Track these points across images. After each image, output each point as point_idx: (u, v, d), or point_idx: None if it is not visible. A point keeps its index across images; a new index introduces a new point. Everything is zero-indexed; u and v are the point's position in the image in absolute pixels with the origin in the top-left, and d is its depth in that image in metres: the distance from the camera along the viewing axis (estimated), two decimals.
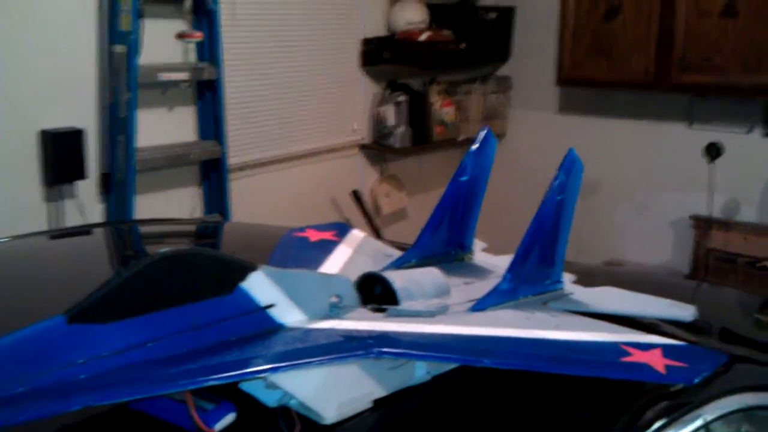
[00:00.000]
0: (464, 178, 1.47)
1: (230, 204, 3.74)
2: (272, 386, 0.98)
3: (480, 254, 1.58)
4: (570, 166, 1.36)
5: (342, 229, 1.60)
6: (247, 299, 1.01)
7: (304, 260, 1.40)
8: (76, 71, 3.17)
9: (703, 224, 4.30)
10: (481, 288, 1.33)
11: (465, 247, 1.53)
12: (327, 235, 1.55)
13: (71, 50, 3.15)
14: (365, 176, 4.68)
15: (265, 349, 0.98)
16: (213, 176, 3.72)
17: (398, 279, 1.23)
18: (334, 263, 1.41)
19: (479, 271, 1.49)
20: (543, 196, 1.33)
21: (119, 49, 3.16)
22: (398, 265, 1.41)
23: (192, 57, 3.50)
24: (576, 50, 4.49)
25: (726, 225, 4.24)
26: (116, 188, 3.33)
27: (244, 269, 1.03)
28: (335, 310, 1.12)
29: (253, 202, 3.96)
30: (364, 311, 1.17)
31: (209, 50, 3.47)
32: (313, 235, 1.55)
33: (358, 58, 4.42)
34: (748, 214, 4.28)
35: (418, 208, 4.72)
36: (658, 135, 4.59)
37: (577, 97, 4.88)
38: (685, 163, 4.41)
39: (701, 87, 4.17)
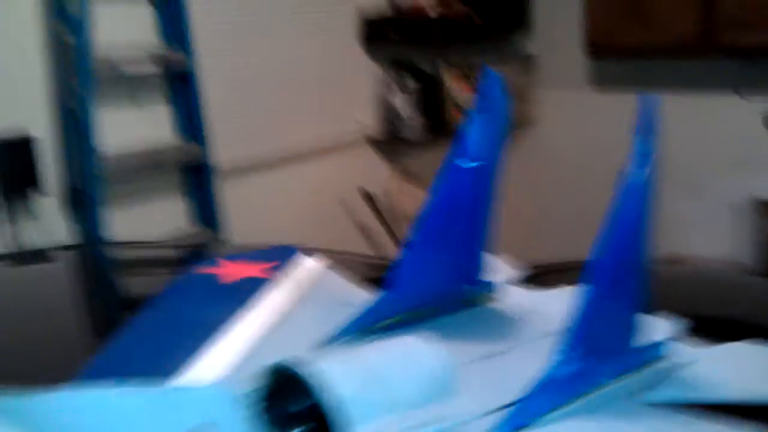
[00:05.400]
0: (467, 163, 0.78)
1: (221, 214, 3.24)
2: None
3: (508, 288, 0.90)
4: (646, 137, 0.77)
5: (283, 257, 1.00)
6: None
7: (191, 325, 0.83)
8: (19, 68, 2.69)
9: None
10: (519, 368, 0.69)
11: (478, 282, 0.85)
12: (253, 270, 0.96)
13: (12, 44, 2.68)
14: (378, 173, 4.15)
15: None
16: (197, 183, 3.22)
17: (346, 375, 0.59)
18: (247, 328, 0.82)
19: (510, 328, 0.83)
20: (618, 183, 0.71)
21: (68, 39, 2.68)
22: (360, 327, 0.75)
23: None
24: (606, 14, 3.91)
25: None
26: (82, 204, 2.86)
27: None
28: None
29: (249, 211, 3.46)
30: None
31: (176, 36, 2.97)
32: (230, 272, 0.96)
33: (358, 38, 3.89)
34: None
35: None
36: (708, 108, 4.00)
37: (611, 69, 4.30)
38: (743, 139, 3.83)
39: (756, 49, 3.59)
